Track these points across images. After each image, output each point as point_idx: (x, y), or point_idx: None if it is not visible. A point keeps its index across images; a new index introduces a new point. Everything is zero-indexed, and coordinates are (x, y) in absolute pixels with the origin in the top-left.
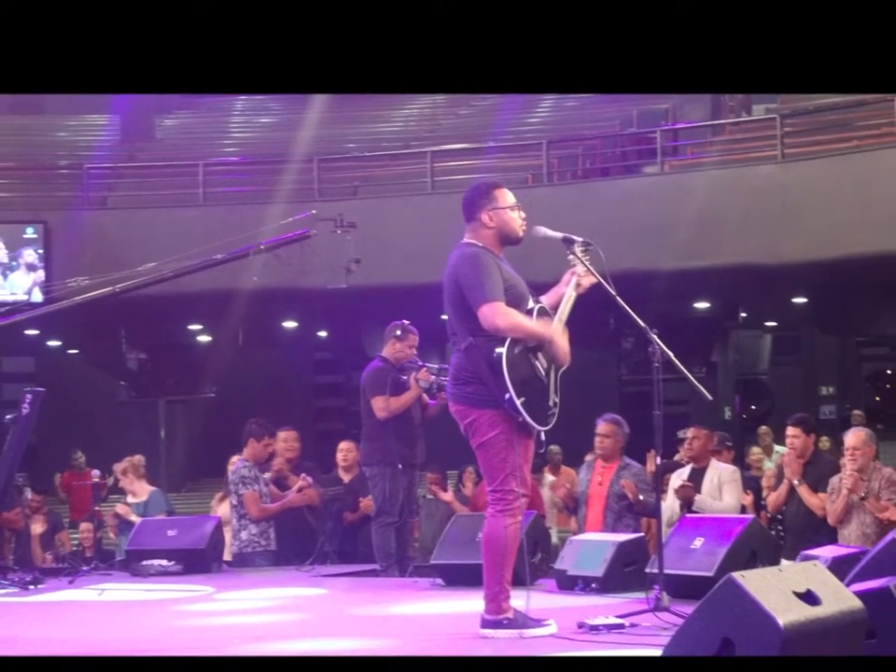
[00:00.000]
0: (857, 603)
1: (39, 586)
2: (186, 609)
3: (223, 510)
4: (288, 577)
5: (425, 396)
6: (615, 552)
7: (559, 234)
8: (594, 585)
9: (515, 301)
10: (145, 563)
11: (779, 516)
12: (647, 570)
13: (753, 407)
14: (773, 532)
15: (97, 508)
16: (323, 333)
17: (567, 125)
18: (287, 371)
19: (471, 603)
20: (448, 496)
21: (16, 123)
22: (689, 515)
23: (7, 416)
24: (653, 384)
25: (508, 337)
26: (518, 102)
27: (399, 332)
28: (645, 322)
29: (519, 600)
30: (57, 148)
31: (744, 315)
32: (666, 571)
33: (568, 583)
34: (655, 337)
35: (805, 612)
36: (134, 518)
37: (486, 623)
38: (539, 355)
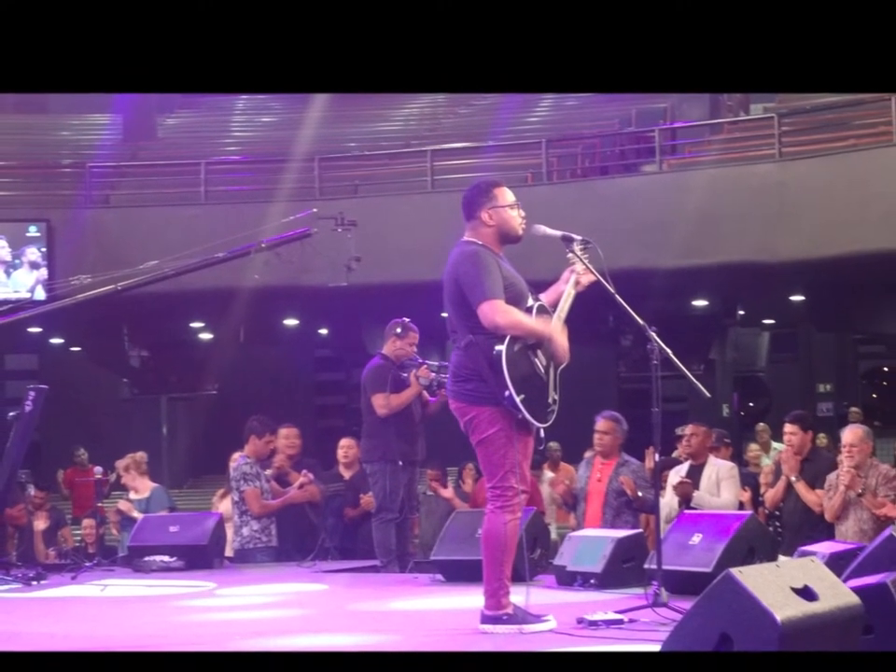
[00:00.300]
0: (854, 599)
1: (42, 582)
2: (187, 604)
3: (225, 506)
4: (290, 573)
5: (425, 393)
6: (614, 548)
7: (558, 233)
8: (592, 581)
9: (515, 299)
10: (147, 559)
11: (777, 512)
12: (645, 566)
13: (751, 404)
14: (770, 528)
15: (100, 504)
16: (324, 331)
17: (567, 124)
18: (289, 368)
19: (471, 599)
20: (448, 492)
21: (19, 122)
22: (687, 511)
23: (11, 413)
24: (652, 381)
25: (507, 335)
26: (518, 101)
27: (399, 330)
28: (644, 320)
29: (518, 596)
30: (60, 147)
31: (742, 312)
32: (665, 567)
33: (567, 579)
34: (654, 335)
35: (802, 608)
36: (137, 514)
37: (486, 619)
38: (539, 352)
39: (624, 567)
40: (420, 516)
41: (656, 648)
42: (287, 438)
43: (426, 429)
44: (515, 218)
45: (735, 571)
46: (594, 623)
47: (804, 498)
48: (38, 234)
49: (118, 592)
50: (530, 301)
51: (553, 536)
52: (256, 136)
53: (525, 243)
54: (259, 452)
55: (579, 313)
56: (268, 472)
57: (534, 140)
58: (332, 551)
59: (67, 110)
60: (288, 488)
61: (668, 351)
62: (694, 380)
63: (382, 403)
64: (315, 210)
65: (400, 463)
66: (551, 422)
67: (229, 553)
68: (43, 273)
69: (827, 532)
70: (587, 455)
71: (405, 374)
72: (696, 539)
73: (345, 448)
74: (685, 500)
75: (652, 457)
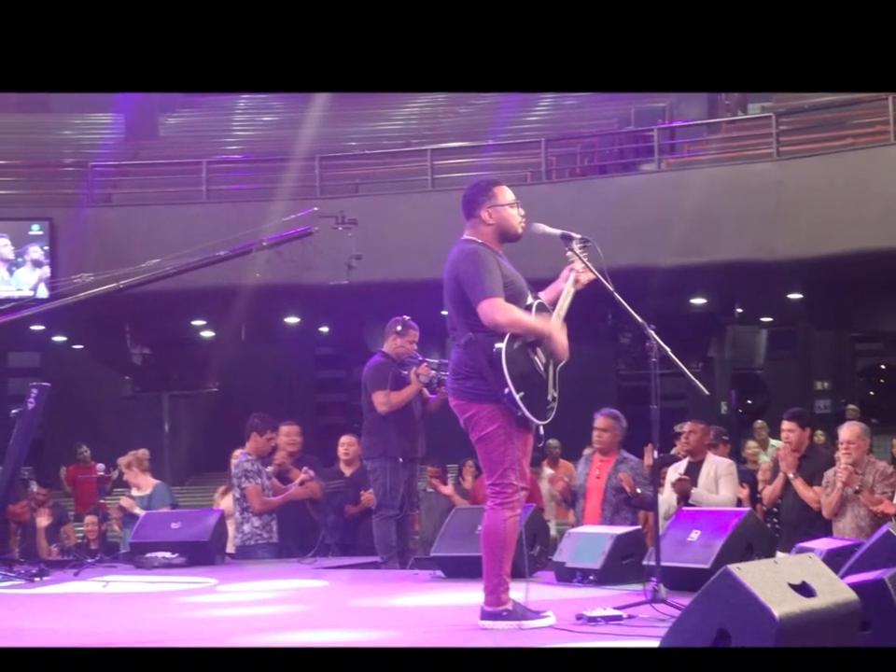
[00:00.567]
0: (851, 595)
1: (45, 578)
2: (189, 600)
3: (226, 503)
4: (290, 569)
5: (425, 390)
6: (613, 544)
7: (558, 231)
8: (592, 577)
9: (514, 297)
10: (149, 555)
11: (775, 509)
12: (644, 563)
13: (749, 402)
14: (768, 525)
15: (102, 501)
16: (324, 329)
17: (566, 123)
18: (290, 366)
19: (471, 595)
20: (448, 489)
21: (22, 122)
22: (686, 508)
23: (13, 411)
24: (651, 378)
25: (507, 332)
26: (517, 100)
27: (399, 328)
28: (642, 318)
29: (518, 592)
30: (62, 146)
31: (740, 310)
32: (663, 563)
33: (567, 575)
34: (653, 332)
35: (800, 604)
36: (139, 511)
37: (486, 615)
38: (538, 350)
39: (623, 564)
40: (420, 513)
41: (655, 644)
42: (288, 435)
43: (426, 426)
44: (515, 217)
45: (734, 568)
46: (593, 620)
47: (801, 495)
48: (41, 233)
49: (120, 588)
50: (530, 299)
51: (553, 532)
52: (257, 135)
53: (525, 241)
54: (260, 449)
55: (578, 311)
56: (269, 469)
57: (533, 139)
58: (333, 547)
59: (69, 109)
60: (289, 485)
61: (667, 349)
62: (693, 378)
63: (382, 401)
64: (315, 209)
65: (401, 460)
66: (550, 419)
67: (230, 549)
68: (45, 271)
69: (825, 529)
70: (586, 452)
71: (405, 372)
72: (695, 535)
73: (346, 445)
74: (683, 497)
75: (651, 454)
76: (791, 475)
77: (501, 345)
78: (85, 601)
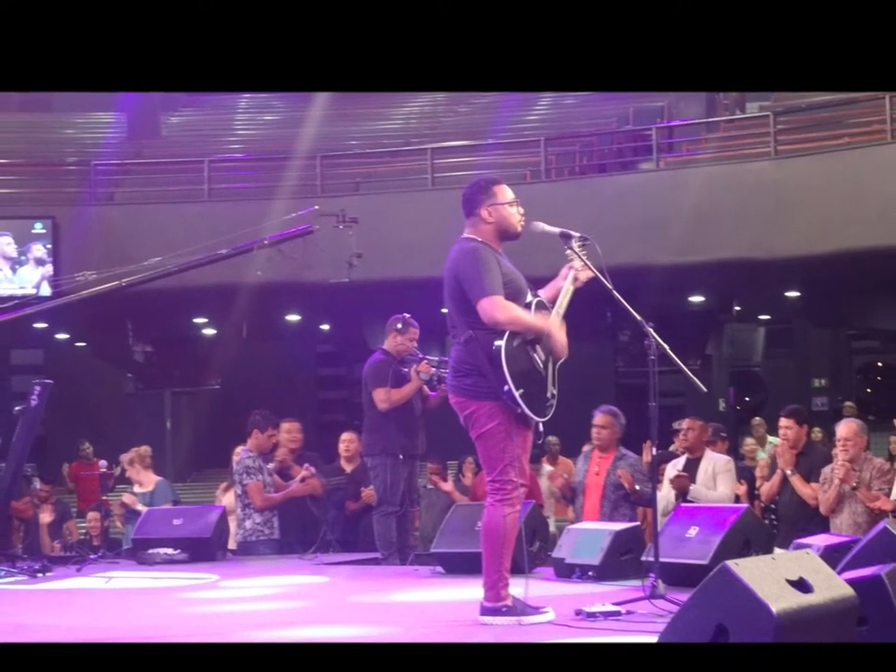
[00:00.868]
0: (848, 591)
1: (47, 574)
2: (191, 596)
3: (228, 499)
4: (292, 565)
5: (425, 388)
6: (612, 540)
7: (557, 230)
8: (591, 573)
9: (514, 295)
10: (151, 551)
11: (773, 506)
12: (643, 559)
13: (747, 399)
14: (766, 521)
15: (104, 497)
16: (325, 326)
17: (565, 122)
18: (291, 363)
19: (471, 591)
20: (448, 485)
21: (25, 121)
22: (684, 505)
23: (16, 408)
24: (649, 376)
25: (507, 330)
26: (516, 100)
27: (400, 325)
28: (641, 315)
29: (517, 588)
30: (65, 145)
31: (738, 308)
32: (662, 559)
33: (566, 571)
34: (651, 330)
35: (797, 600)
36: (141, 507)
37: (485, 611)
38: (538, 347)
39: (622, 560)
40: (420, 509)
41: (653, 639)
42: (289, 432)
43: (426, 424)
44: (514, 215)
45: (732, 563)
46: (592, 615)
47: (799, 492)
48: (44, 231)
49: (122, 584)
50: (529, 297)
51: (552, 529)
52: (258, 134)
53: (524, 239)
54: (261, 446)
55: (577, 308)
56: (270, 466)
57: (533, 138)
58: (334, 543)
59: (72, 109)
60: (290, 482)
61: (665, 346)
62: (691, 375)
63: (383, 398)
64: (316, 207)
65: (401, 457)
66: (549, 416)
67: (232, 545)
68: (48, 269)
69: (822, 525)
70: (585, 448)
71: (406, 369)
72: (693, 531)
73: (347, 442)
74: (682, 494)
75: (650, 451)
76: (788, 472)
77: (501, 343)
78: (87, 597)
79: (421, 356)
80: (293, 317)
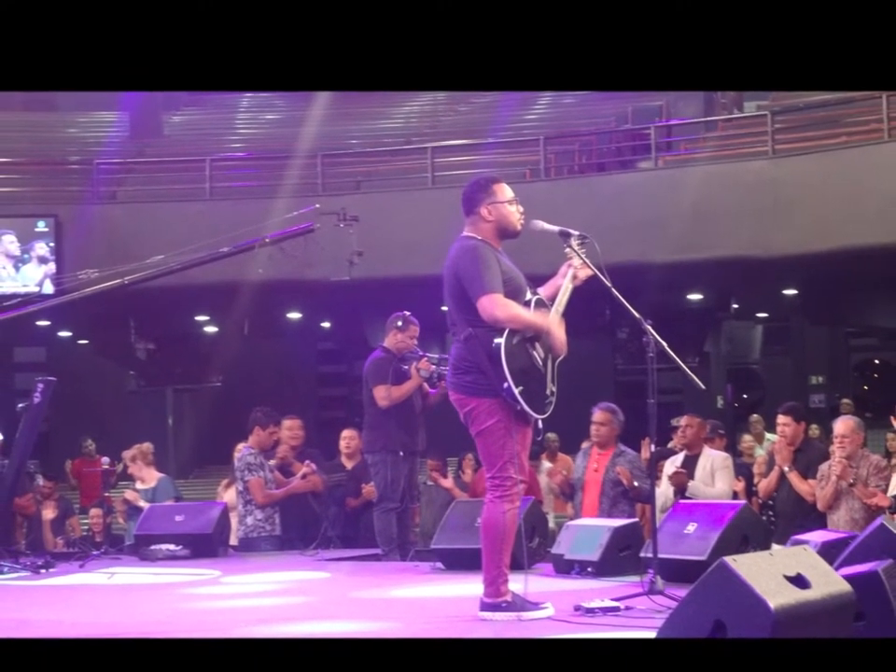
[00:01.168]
0: (846, 586)
1: (50, 570)
2: (193, 592)
3: (229, 496)
4: (293, 561)
5: (425, 385)
6: (610, 536)
7: (556, 228)
8: (590, 569)
9: (513, 293)
10: (153, 547)
11: (770, 502)
12: (641, 555)
13: (745, 396)
14: (764, 517)
15: (107, 494)
16: (326, 324)
17: (564, 122)
18: (292, 360)
19: (471, 586)
20: (448, 482)
21: (28, 120)
22: (682, 501)
23: (19, 405)
24: (648, 373)
25: (506, 328)
26: (516, 99)
27: (400, 323)
28: (639, 313)
29: (517, 584)
30: (68, 144)
31: (736, 306)
32: (660, 556)
33: (565, 567)
34: (649, 328)
35: (795, 595)
36: (143, 504)
37: (485, 606)
38: (537, 345)
39: (621, 556)
40: (421, 506)
41: (652, 634)
42: (290, 429)
43: (426, 420)
44: (514, 214)
45: (730, 559)
46: (591, 611)
47: (796, 488)
48: (46, 229)
49: (124, 580)
50: (528, 295)
51: (551, 525)
52: (260, 133)
53: (524, 238)
54: (262, 442)
55: (576, 306)
56: (272, 462)
57: (532, 137)
58: (335, 539)
59: (75, 108)
60: (292, 478)
61: (664, 344)
62: (689, 372)
63: (383, 395)
64: (317, 206)
65: (401, 453)
66: (549, 413)
67: (233, 541)
68: (51, 267)
69: (819, 521)
70: (584, 445)
71: (406, 367)
72: (691, 528)
73: (347, 439)
74: (680, 490)
75: (648, 448)
76: (786, 468)
77: (500, 340)
78: (90, 593)
79: (421, 353)
80: (294, 315)
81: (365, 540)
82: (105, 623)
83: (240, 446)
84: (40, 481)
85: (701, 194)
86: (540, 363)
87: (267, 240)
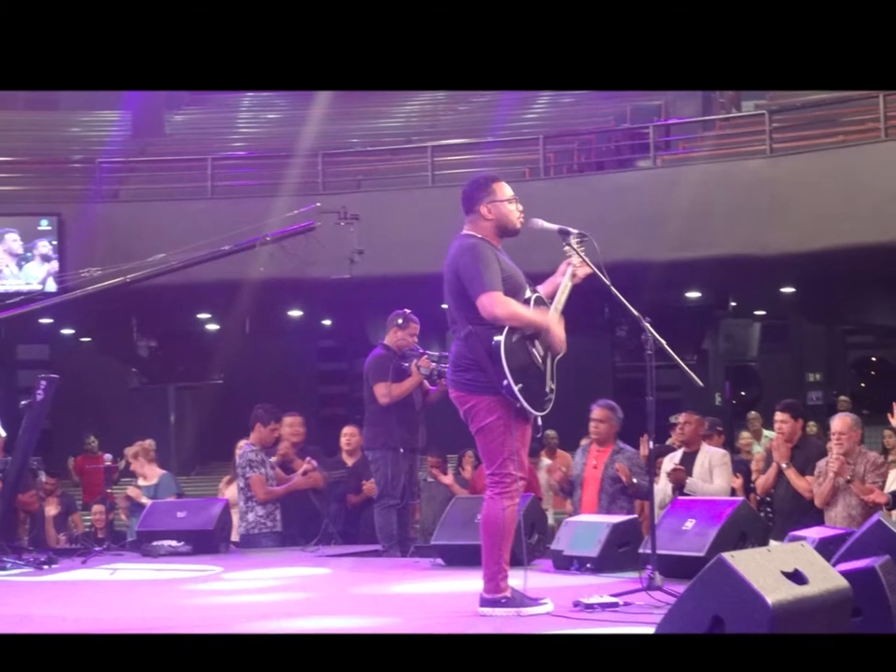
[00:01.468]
0: (843, 582)
1: (53, 566)
2: (194, 588)
3: (231, 492)
4: (294, 557)
5: (426, 382)
6: (609, 533)
7: (555, 226)
8: (589, 565)
9: (513, 291)
10: (155, 543)
11: (768, 498)
12: (640, 551)
13: (743, 393)
14: (762, 514)
15: (109, 490)
16: (327, 322)
17: (563, 121)
18: (293, 358)
19: (470, 582)
20: (448, 479)
21: (31, 119)
22: (681, 498)
23: (23, 402)
24: (646, 370)
25: (506, 325)
26: (516, 98)
27: (400, 321)
28: (638, 311)
29: (516, 580)
30: (70, 143)
31: (734, 304)
32: (659, 552)
33: (564, 563)
34: (648, 325)
35: (792, 591)
36: (145, 500)
37: (485, 602)
38: (536, 342)
39: (620, 552)
40: (421, 502)
41: (650, 630)
42: (291, 426)
43: (426, 418)
44: (513, 212)
45: (728, 556)
46: (590, 606)
47: (794, 485)
48: (49, 228)
49: (126, 576)
50: (528, 293)
51: (551, 521)
52: (261, 133)
53: (523, 236)
54: (264, 439)
55: (575, 304)
56: (273, 459)
57: (531, 136)
58: (335, 536)
59: (77, 107)
60: (293, 475)
61: (662, 341)
62: (688, 369)
63: (384, 392)
64: (318, 204)
65: (402, 450)
66: (548, 410)
67: (234, 537)
68: (54, 265)
69: (817, 517)
70: (583, 442)
71: (406, 364)
72: (690, 524)
73: (348, 436)
74: (679, 487)
75: (647, 445)
76: (783, 465)
77: (500, 338)
78: (92, 588)
79: (421, 351)
80: (295, 313)
81: (365, 537)
82: (108, 618)
83: (241, 443)
84: (43, 477)
85: (699, 193)
86: (540, 361)
87: (268, 238)
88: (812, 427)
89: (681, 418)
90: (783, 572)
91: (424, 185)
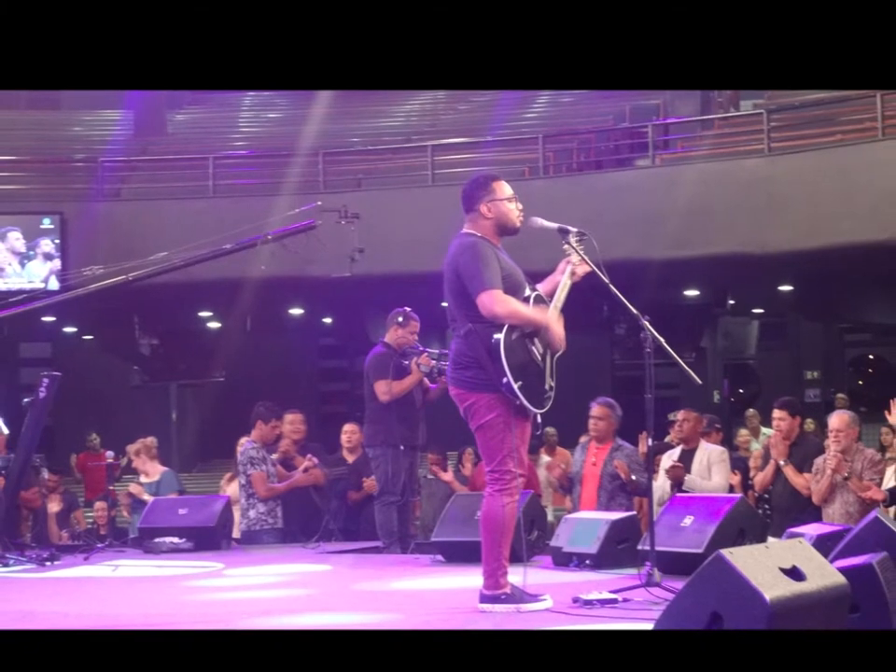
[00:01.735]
0: (841, 579)
1: (55, 563)
2: (196, 584)
3: (232, 489)
4: (295, 554)
5: (426, 380)
6: (608, 529)
7: (555, 225)
8: (588, 562)
9: (512, 289)
10: (157, 540)
11: (766, 495)
12: (639, 547)
13: (741, 391)
14: (760, 511)
15: (111, 487)
16: (328, 320)
17: (563, 120)
18: (294, 356)
19: (470, 579)
20: (448, 476)
21: (33, 118)
22: (679, 494)
23: (25, 399)
24: (645, 368)
25: (505, 323)
26: (515, 97)
27: (400, 319)
28: (637, 309)
29: (516, 576)
30: (73, 142)
31: (732, 302)
32: (658, 548)
33: (564, 560)
34: (647, 323)
35: (790, 588)
36: (147, 497)
37: (485, 598)
38: (536, 340)
39: (618, 549)
40: (421, 499)
41: (649, 626)
42: (292, 423)
43: (426, 415)
44: (513, 211)
45: (726, 552)
46: (589, 603)
47: (792, 482)
48: (52, 226)
49: (128, 572)
50: (527, 291)
51: (550, 518)
52: (262, 132)
53: (523, 235)
54: (265, 437)
55: (574, 302)
56: (274, 456)
57: (531, 135)
58: (336, 532)
59: (80, 106)
60: (294, 472)
61: (661, 339)
62: (686, 367)
63: (384, 390)
64: (319, 203)
65: (402, 447)
66: (547, 408)
67: (236, 534)
68: (56, 263)
69: (814, 514)
70: (583, 439)
71: (406, 362)
72: (688, 521)
73: (349, 433)
74: (677, 484)
75: (646, 442)
76: (781, 462)
77: (500, 336)
78: (95, 585)
79: (421, 348)
80: (296, 311)
81: (366, 533)
82: (110, 615)
83: (243, 440)
84: (45, 474)
85: (698, 192)
86: (539, 358)
87: (269, 237)
88: (810, 425)
89: (680, 415)
90: (781, 569)
91: (424, 184)
